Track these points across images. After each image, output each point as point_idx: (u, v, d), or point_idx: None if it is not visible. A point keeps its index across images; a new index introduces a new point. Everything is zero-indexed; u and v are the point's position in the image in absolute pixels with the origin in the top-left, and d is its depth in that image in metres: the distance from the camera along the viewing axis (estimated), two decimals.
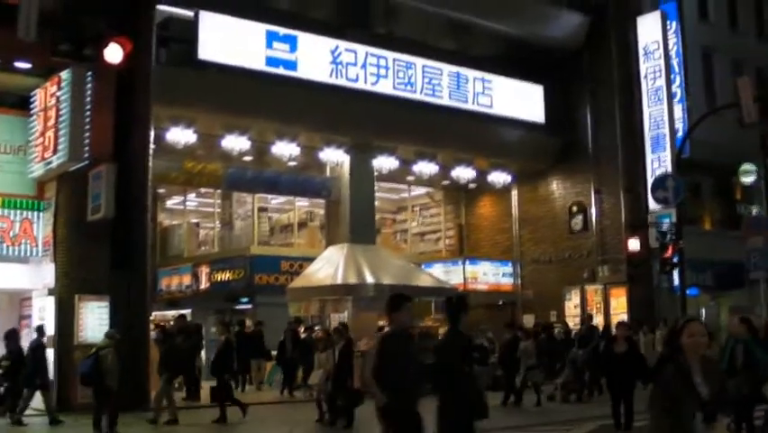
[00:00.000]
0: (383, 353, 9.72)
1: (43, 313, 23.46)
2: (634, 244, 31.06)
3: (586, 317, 30.28)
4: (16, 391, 20.48)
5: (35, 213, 24.40)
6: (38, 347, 20.53)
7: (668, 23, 33.34)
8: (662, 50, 32.94)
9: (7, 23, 19.11)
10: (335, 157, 30.92)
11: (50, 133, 22.79)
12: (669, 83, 32.79)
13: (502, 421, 18.85)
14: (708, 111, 31.27)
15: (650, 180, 31.30)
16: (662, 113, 32.65)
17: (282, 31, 28.39)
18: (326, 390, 19.91)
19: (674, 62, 33.32)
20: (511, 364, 23.75)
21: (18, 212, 24.14)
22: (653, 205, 30.55)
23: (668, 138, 32.32)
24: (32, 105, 23.92)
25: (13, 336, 21.16)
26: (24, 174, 24.12)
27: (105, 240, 22.31)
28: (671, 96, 32.75)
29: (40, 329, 21.08)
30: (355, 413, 19.10)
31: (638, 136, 33.02)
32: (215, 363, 21.20)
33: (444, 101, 31.95)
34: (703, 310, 34.31)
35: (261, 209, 34.99)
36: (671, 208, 28.78)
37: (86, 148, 22.18)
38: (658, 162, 32.42)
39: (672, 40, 33.41)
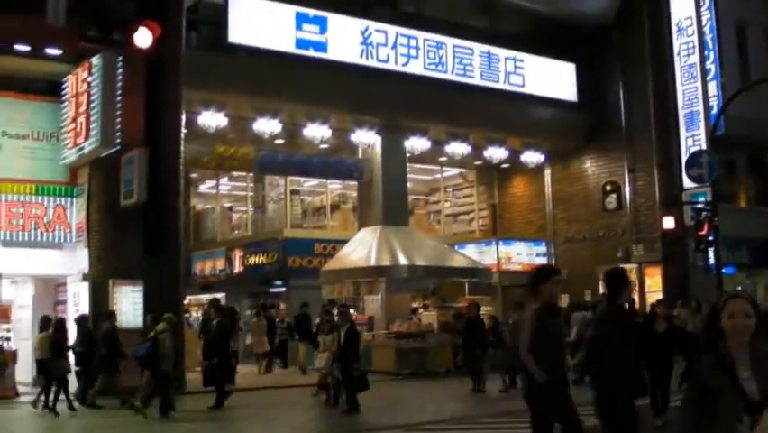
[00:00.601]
0: (538, 328, 9.25)
1: (78, 298, 23.63)
2: (668, 223, 30.72)
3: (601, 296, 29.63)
4: (90, 376, 20.63)
5: (68, 199, 24.57)
6: (112, 331, 20.65)
7: None
8: (695, 25, 32.52)
9: (37, 10, 19.20)
10: (367, 139, 30.83)
11: (82, 119, 22.90)
12: (703, 59, 32.39)
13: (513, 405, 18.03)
14: (743, 87, 30.89)
15: (684, 158, 30.99)
16: (695, 90, 32.27)
17: (312, 12, 28.33)
18: (333, 373, 19.89)
19: (708, 38, 32.89)
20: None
21: (51, 198, 24.33)
22: (687, 182, 30.21)
23: (702, 115, 31.94)
24: (63, 92, 24.05)
25: (83, 322, 21.29)
26: (57, 161, 24.27)
27: (138, 225, 22.37)
28: (704, 73, 32.35)
29: (111, 314, 21.20)
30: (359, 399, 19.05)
31: (672, 114, 32.65)
32: (209, 347, 21.13)
33: (476, 81, 31.79)
34: (739, 288, 34.01)
35: (294, 192, 34.99)
36: (705, 186, 28.47)
37: (118, 133, 22.30)
38: (692, 140, 32.07)
39: (706, 15, 32.96)
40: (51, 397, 19.64)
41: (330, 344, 20.24)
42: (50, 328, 20.55)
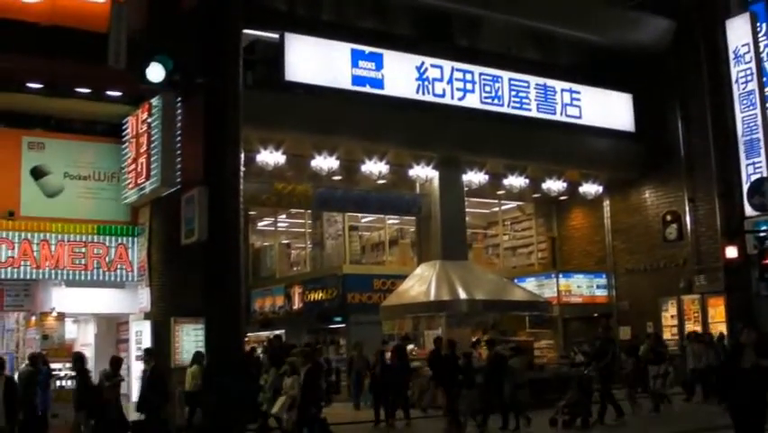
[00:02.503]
0: None
1: (140, 337, 23.81)
2: (731, 252, 30.36)
3: (600, 332, 28.11)
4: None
5: (130, 238, 24.87)
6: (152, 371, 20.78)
7: (758, 24, 32.61)
8: (752, 52, 32.19)
9: (97, 54, 19.51)
10: (424, 173, 30.85)
11: (143, 160, 23.19)
12: (761, 86, 32.05)
13: None
14: None
15: (745, 186, 30.68)
16: (755, 117, 31.92)
17: (367, 49, 28.50)
18: (290, 419, 19.08)
19: (766, 64, 32.55)
20: (497, 377, 21.99)
21: (113, 238, 24.63)
22: (749, 211, 29.91)
23: (762, 142, 31.56)
24: (123, 133, 24.37)
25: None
26: (118, 200, 24.59)
27: (199, 263, 22.49)
28: (764, 100, 31.99)
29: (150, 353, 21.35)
30: None
31: (731, 141, 32.34)
32: (141, 399, 20.23)
33: (533, 113, 31.78)
34: None
35: (352, 228, 35.03)
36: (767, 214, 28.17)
37: (178, 173, 22.52)
38: (753, 167, 31.70)
39: (763, 41, 32.65)
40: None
41: (289, 387, 19.36)
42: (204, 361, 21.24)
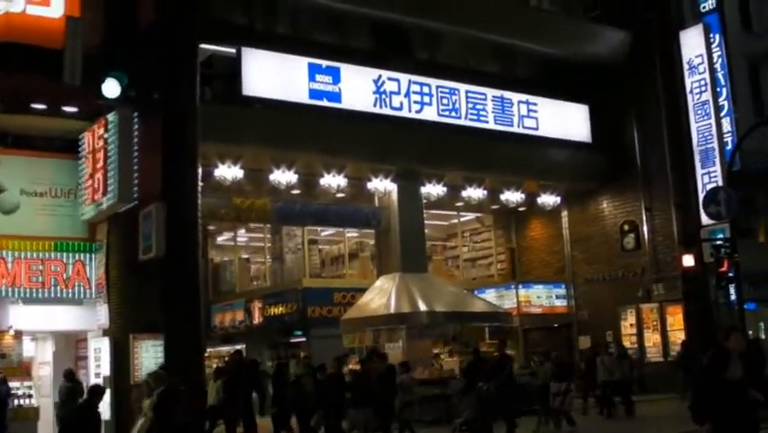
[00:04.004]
0: None
1: (99, 354, 23.66)
2: (688, 261, 30.62)
3: (499, 346, 26.52)
4: None
5: (87, 255, 24.72)
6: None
7: (711, 35, 33.02)
8: (706, 63, 32.61)
9: (53, 70, 19.42)
10: (383, 186, 30.91)
11: (99, 176, 23.08)
12: (715, 96, 32.44)
13: None
14: (758, 121, 30.92)
15: (701, 195, 30.98)
16: (710, 127, 32.30)
17: (324, 63, 28.53)
18: None
19: (720, 75, 32.93)
20: (389, 393, 21.05)
21: (71, 254, 24.47)
22: (705, 220, 30.15)
23: (717, 152, 31.96)
24: (80, 149, 24.22)
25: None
26: (76, 217, 24.44)
27: (158, 279, 22.40)
28: (718, 110, 32.39)
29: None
30: None
31: (687, 151, 32.67)
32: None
33: (490, 125, 31.94)
34: (762, 324, 33.82)
35: (311, 242, 35.02)
36: (724, 222, 28.39)
37: (135, 188, 22.43)
38: (708, 177, 32.06)
39: (717, 52, 33.04)
40: None
41: (147, 409, 18.29)
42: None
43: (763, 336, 33.03)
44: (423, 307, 28.60)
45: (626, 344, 32.51)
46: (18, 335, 23.86)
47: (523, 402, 22.95)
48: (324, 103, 28.41)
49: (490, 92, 32.16)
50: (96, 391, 15.43)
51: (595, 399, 26.76)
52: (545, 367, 24.05)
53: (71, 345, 25.64)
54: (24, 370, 23.72)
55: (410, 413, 21.07)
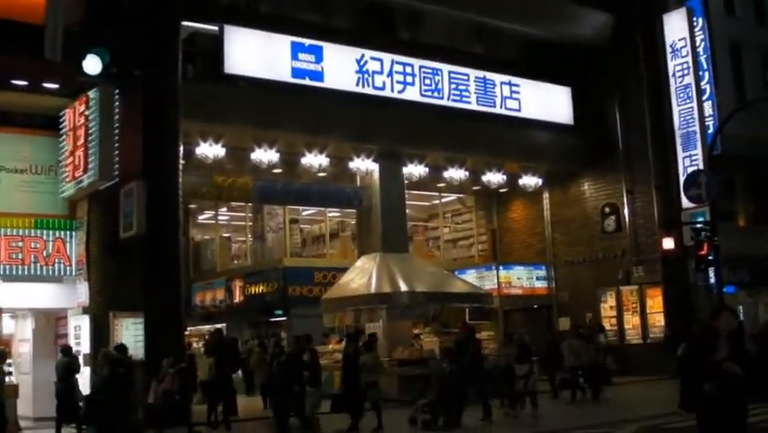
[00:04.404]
0: None
1: (79, 331, 23.60)
2: (668, 243, 30.76)
3: (461, 327, 25.98)
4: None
5: (68, 232, 24.61)
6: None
7: (694, 19, 33.06)
8: (689, 47, 32.67)
9: (34, 46, 19.29)
10: (365, 166, 30.86)
11: (80, 153, 22.98)
12: (698, 80, 32.51)
13: None
14: (739, 106, 31.00)
15: (682, 178, 31.06)
16: (691, 110, 32.37)
17: (307, 42, 28.45)
18: None
19: (702, 59, 33.00)
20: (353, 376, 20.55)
21: (51, 232, 24.36)
22: (686, 203, 30.22)
23: (699, 135, 32.05)
24: (61, 126, 24.09)
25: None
26: (56, 194, 24.33)
27: (138, 257, 22.36)
28: (700, 93, 32.47)
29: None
30: None
31: (669, 134, 32.75)
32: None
33: (472, 106, 31.93)
34: (741, 308, 33.99)
35: (293, 221, 34.96)
36: (704, 206, 28.48)
37: (116, 166, 22.36)
38: (689, 160, 32.15)
39: (699, 36, 33.09)
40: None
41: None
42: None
43: (741, 319, 33.14)
44: (403, 287, 28.64)
45: (607, 326, 32.65)
46: None
47: (489, 384, 22.19)
48: (307, 82, 28.34)
49: (473, 73, 32.14)
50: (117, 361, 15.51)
51: (561, 382, 26.35)
52: (509, 349, 23.62)
53: (51, 323, 25.56)
54: (4, 346, 23.61)
55: (375, 393, 20.41)
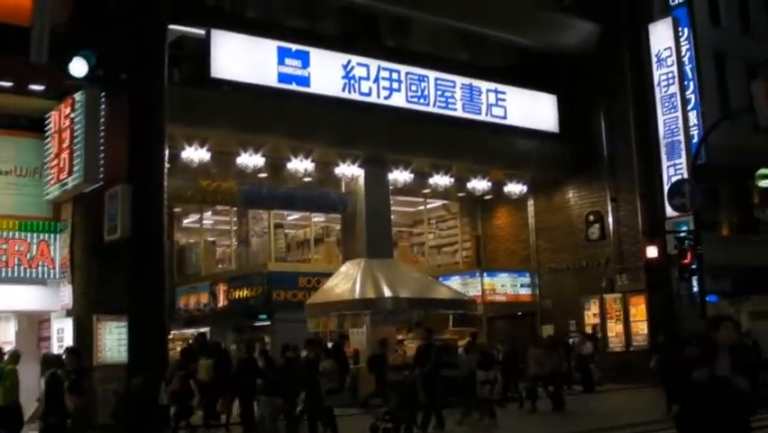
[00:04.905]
0: None
1: (62, 334, 23.54)
2: (652, 252, 30.89)
3: (423, 335, 24.02)
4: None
5: (52, 235, 24.51)
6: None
7: (680, 29, 33.22)
8: (674, 56, 32.85)
9: (19, 47, 19.24)
10: (350, 172, 30.89)
11: (65, 155, 22.90)
12: (683, 89, 32.67)
13: None
14: (723, 116, 31.17)
15: (666, 187, 31.18)
16: (676, 120, 32.53)
17: (294, 47, 28.48)
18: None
19: (687, 68, 33.15)
20: (313, 386, 19.98)
21: (35, 234, 24.26)
22: (670, 212, 30.39)
23: (683, 145, 32.20)
24: (46, 128, 24.04)
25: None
26: (40, 196, 24.23)
27: (122, 260, 22.31)
28: (685, 103, 32.62)
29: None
30: None
31: (653, 144, 32.90)
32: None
33: (458, 113, 32.01)
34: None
35: (278, 226, 34.96)
36: (688, 215, 28.61)
37: (101, 169, 22.29)
38: (674, 169, 32.29)
39: (685, 46, 33.27)
40: None
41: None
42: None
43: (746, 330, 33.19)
44: (387, 293, 28.66)
45: (589, 331, 32.81)
46: None
47: (451, 393, 22.05)
48: (293, 87, 28.37)
49: (459, 80, 32.22)
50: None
51: (524, 392, 25.93)
52: (470, 356, 23.22)
53: (34, 326, 25.48)
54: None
55: (335, 400, 19.86)
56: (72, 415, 17.47)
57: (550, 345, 27.26)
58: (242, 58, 27.59)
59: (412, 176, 32.12)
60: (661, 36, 33.37)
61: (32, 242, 24.24)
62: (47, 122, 24.15)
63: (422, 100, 31.12)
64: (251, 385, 20.26)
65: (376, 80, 30.15)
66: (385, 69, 30.43)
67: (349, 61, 29.61)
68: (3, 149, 24.24)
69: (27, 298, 24.23)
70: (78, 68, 20.25)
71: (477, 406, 22.52)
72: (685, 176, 30.91)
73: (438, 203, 39.18)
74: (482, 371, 22.48)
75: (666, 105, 32.83)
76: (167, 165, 23.79)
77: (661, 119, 32.95)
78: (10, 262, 23.81)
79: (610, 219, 33.89)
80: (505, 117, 33.28)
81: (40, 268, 24.29)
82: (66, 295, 23.89)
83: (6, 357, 18.73)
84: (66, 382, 17.52)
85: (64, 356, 18.48)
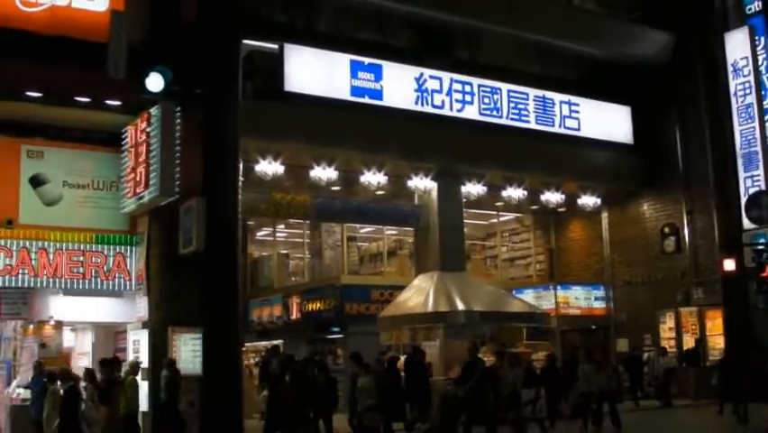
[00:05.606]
0: None
1: (137, 346, 23.79)
2: (729, 265, 30.43)
3: (470, 350, 23.07)
4: None
5: (128, 247, 24.79)
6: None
7: (756, 38, 32.76)
8: (751, 66, 32.38)
9: (97, 63, 19.54)
10: (423, 184, 30.90)
11: (141, 169, 23.13)
12: (760, 99, 32.19)
13: None
14: None
15: (743, 199, 30.75)
16: (753, 130, 32.07)
17: (366, 60, 28.61)
18: None
19: (764, 78, 32.65)
20: (352, 402, 20.58)
21: (111, 247, 24.55)
22: (747, 224, 29.97)
23: (760, 155, 31.72)
24: (122, 142, 24.34)
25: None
26: (117, 210, 24.51)
27: (197, 273, 22.46)
28: (762, 113, 32.13)
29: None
30: None
31: (730, 155, 32.47)
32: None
33: (531, 125, 31.93)
34: None
35: (350, 238, 34.98)
36: (765, 227, 28.19)
37: (177, 182, 22.46)
38: (751, 181, 31.83)
39: (762, 55, 32.78)
40: None
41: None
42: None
43: None
44: (460, 306, 28.57)
45: (667, 347, 32.40)
46: (58, 325, 24.13)
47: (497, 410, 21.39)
48: (366, 100, 28.50)
49: (532, 92, 32.16)
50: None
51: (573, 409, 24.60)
52: (515, 373, 22.11)
53: (110, 337, 25.81)
54: (64, 360, 23.89)
55: (372, 418, 19.90)
56: (103, 427, 17.64)
57: (600, 361, 26.10)
58: (314, 71, 27.77)
59: (485, 189, 32.05)
60: (737, 45, 32.93)
61: (109, 254, 24.54)
62: (123, 136, 24.46)
63: (495, 112, 31.08)
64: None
65: (449, 93, 30.17)
66: (457, 81, 30.45)
67: (421, 74, 29.67)
68: (80, 163, 24.58)
69: (104, 309, 24.56)
70: (155, 83, 20.39)
71: (512, 424, 21.63)
72: (762, 187, 30.47)
73: (511, 216, 38.99)
74: (527, 389, 22.03)
75: (743, 115, 32.37)
76: (241, 178, 23.94)
77: (737, 129, 32.50)
78: (87, 275, 24.12)
79: (686, 231, 33.45)
80: (578, 129, 33.11)
81: (116, 280, 24.58)
82: (141, 307, 24.13)
83: (127, 368, 19.05)
84: (95, 394, 17.75)
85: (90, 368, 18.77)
